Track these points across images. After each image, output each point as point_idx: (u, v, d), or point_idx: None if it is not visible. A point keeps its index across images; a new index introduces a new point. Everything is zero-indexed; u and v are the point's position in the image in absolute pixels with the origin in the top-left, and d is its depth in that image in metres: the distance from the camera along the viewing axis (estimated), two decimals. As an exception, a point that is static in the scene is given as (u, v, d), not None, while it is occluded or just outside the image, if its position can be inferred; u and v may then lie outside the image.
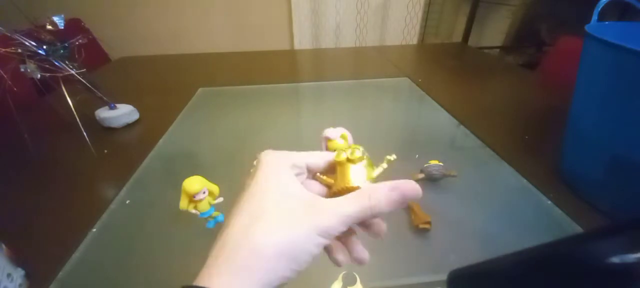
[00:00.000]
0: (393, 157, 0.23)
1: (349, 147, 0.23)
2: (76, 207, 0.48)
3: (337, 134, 0.47)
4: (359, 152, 0.23)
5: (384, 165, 0.23)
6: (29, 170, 0.57)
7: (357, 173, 0.22)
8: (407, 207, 0.44)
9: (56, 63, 0.59)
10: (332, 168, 0.24)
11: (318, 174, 0.24)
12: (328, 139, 0.47)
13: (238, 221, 0.18)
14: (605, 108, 0.41)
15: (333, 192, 0.23)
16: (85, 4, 1.59)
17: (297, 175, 0.22)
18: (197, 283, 0.16)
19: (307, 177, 0.24)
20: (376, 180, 0.23)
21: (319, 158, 0.23)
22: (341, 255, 0.23)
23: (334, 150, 0.25)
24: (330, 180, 0.23)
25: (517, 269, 0.21)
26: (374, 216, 0.20)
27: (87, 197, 0.50)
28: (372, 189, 0.20)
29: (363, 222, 0.22)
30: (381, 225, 0.23)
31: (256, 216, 0.18)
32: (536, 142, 0.62)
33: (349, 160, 0.22)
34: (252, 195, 0.20)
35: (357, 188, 0.21)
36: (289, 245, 0.18)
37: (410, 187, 0.20)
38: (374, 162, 0.24)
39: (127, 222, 0.45)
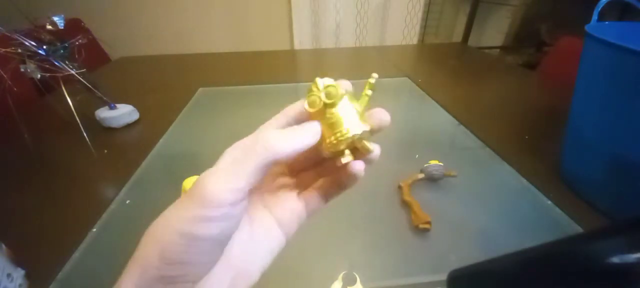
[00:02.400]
0: (374, 76, 0.19)
1: (316, 87, 0.18)
2: (76, 207, 0.48)
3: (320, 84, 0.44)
4: (332, 85, 0.17)
5: (368, 91, 0.19)
6: (29, 170, 0.57)
7: (346, 114, 0.17)
8: (407, 207, 0.44)
9: (56, 63, 0.59)
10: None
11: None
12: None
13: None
14: (605, 108, 0.41)
15: (325, 147, 0.18)
16: (85, 4, 1.59)
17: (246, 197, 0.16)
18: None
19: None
20: (368, 109, 0.19)
21: (277, 124, 0.19)
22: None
23: None
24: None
25: (517, 269, 0.21)
26: (274, 162, 0.16)
27: (87, 197, 0.50)
28: (268, 134, 0.16)
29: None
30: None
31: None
32: (536, 142, 0.62)
33: (327, 104, 0.17)
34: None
35: (363, 132, 0.17)
36: (155, 228, 0.16)
37: (293, 106, 0.18)
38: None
39: (127, 222, 0.45)
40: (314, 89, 0.18)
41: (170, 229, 0.15)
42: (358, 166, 0.18)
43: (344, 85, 0.19)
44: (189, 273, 0.15)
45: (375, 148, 0.19)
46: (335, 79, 0.18)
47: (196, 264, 0.15)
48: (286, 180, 0.21)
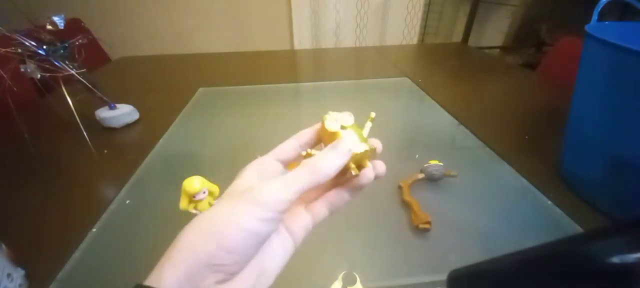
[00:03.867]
0: (373, 114, 0.26)
1: (332, 119, 0.24)
2: (76, 207, 0.48)
3: (337, 123, 0.46)
4: (349, 118, 0.24)
5: (369, 123, 0.25)
6: (29, 170, 0.57)
7: (351, 137, 0.23)
8: (407, 207, 0.44)
9: (56, 63, 0.59)
10: (318, 140, 0.25)
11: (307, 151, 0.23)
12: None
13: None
14: (605, 108, 0.41)
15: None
16: (85, 4, 1.59)
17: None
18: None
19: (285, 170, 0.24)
20: (367, 138, 0.24)
21: (291, 146, 0.25)
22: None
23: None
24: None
25: (517, 269, 0.21)
26: (320, 182, 0.20)
27: (87, 197, 0.50)
28: (313, 160, 0.20)
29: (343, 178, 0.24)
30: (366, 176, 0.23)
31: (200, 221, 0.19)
32: (536, 142, 0.62)
33: (342, 127, 0.23)
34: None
35: (367, 153, 0.22)
36: (213, 222, 0.18)
37: (305, 132, 0.24)
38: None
39: (127, 222, 0.45)
40: (327, 118, 0.24)
41: (230, 224, 0.17)
42: (368, 174, 0.23)
43: (346, 117, 0.24)
44: (237, 261, 0.18)
45: (380, 166, 0.24)
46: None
47: (245, 255, 0.18)
48: None
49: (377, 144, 0.24)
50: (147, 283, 0.16)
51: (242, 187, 0.21)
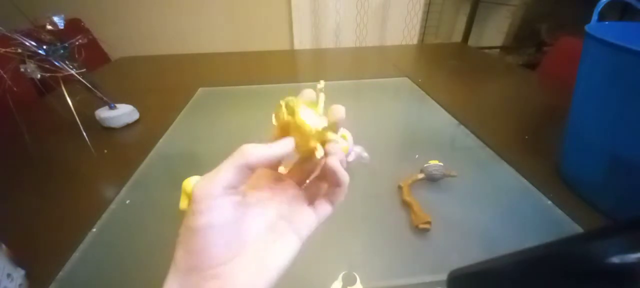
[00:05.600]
0: (322, 83, 0.24)
1: (281, 104, 0.22)
2: (76, 207, 0.48)
3: (337, 134, 0.47)
4: (289, 99, 0.22)
5: (321, 95, 0.24)
6: (29, 170, 0.57)
7: (308, 117, 0.21)
8: (407, 207, 0.44)
9: (56, 63, 0.59)
10: (283, 133, 0.22)
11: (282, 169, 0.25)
12: None
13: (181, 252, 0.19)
14: (605, 108, 0.41)
15: (303, 151, 0.23)
16: (85, 4, 1.59)
17: (232, 194, 0.20)
18: None
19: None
20: (325, 112, 0.23)
21: (258, 153, 0.21)
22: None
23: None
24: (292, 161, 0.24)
25: (517, 269, 0.21)
26: (244, 167, 0.20)
27: (87, 197, 0.50)
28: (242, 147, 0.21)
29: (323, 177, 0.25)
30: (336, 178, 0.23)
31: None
32: (536, 142, 0.62)
33: (289, 114, 0.22)
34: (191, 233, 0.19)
35: (327, 128, 0.22)
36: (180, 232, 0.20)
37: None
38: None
39: (127, 222, 0.45)
40: (279, 109, 0.22)
41: (183, 228, 0.20)
42: (320, 152, 0.22)
43: (306, 95, 0.23)
44: (207, 258, 0.19)
45: (340, 140, 0.24)
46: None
47: (209, 249, 0.19)
48: (297, 193, 0.25)
49: (338, 111, 0.23)
50: None
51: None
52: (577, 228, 0.42)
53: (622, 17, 1.15)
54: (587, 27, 0.43)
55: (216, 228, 0.19)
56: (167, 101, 0.83)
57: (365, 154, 0.50)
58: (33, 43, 0.56)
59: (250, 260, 0.20)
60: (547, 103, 0.81)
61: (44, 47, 0.58)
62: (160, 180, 0.54)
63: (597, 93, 0.42)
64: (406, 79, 0.95)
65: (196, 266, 0.18)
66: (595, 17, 0.45)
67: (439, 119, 0.71)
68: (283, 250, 0.21)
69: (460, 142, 0.64)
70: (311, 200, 0.24)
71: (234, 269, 0.19)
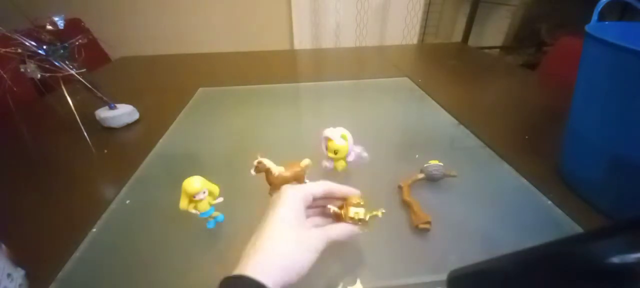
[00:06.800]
0: (382, 210, 0.35)
1: (354, 208, 0.34)
2: (76, 207, 0.48)
3: (337, 134, 0.47)
4: (361, 211, 0.34)
5: (376, 213, 0.35)
6: (29, 170, 0.57)
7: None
8: (407, 207, 0.44)
9: (56, 63, 0.59)
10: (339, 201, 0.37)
11: (332, 208, 0.35)
12: (328, 139, 0.47)
13: (266, 238, 0.28)
14: (605, 108, 0.41)
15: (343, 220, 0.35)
16: (85, 4, 1.59)
17: (304, 205, 0.32)
18: (237, 272, 0.25)
19: (311, 204, 0.34)
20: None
21: (321, 188, 0.35)
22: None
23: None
24: (339, 212, 0.35)
25: (517, 269, 0.21)
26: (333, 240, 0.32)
27: (87, 197, 0.50)
28: (333, 227, 0.33)
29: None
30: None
31: (278, 237, 0.29)
32: (536, 142, 0.62)
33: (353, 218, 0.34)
34: (275, 221, 0.30)
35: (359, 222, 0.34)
36: (293, 256, 0.28)
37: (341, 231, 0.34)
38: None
39: (127, 222, 0.45)
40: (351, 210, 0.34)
41: (303, 262, 0.30)
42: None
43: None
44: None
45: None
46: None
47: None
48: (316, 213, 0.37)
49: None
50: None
51: (297, 221, 0.31)
52: (577, 228, 0.42)
53: (622, 17, 1.15)
54: (587, 27, 0.42)
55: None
56: (167, 101, 0.83)
57: (365, 154, 0.50)
58: (33, 43, 0.56)
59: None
60: (547, 103, 0.81)
61: (44, 47, 0.58)
62: (160, 180, 0.54)
63: (597, 93, 0.42)
64: (406, 78, 0.95)
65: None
66: (595, 17, 0.45)
67: (439, 119, 0.71)
68: (311, 249, 0.30)
69: (460, 142, 0.64)
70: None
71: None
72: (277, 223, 0.29)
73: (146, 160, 0.58)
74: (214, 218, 0.42)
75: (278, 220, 0.29)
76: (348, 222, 0.34)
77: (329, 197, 0.35)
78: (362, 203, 0.35)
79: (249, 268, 0.25)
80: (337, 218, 0.35)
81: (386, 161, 0.57)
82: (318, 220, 0.36)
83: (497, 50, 1.91)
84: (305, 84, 0.97)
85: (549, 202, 0.46)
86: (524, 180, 0.50)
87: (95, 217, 0.45)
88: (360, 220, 0.34)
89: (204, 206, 0.39)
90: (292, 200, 0.31)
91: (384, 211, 0.35)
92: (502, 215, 0.44)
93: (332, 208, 0.35)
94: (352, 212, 0.34)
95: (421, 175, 0.49)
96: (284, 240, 0.28)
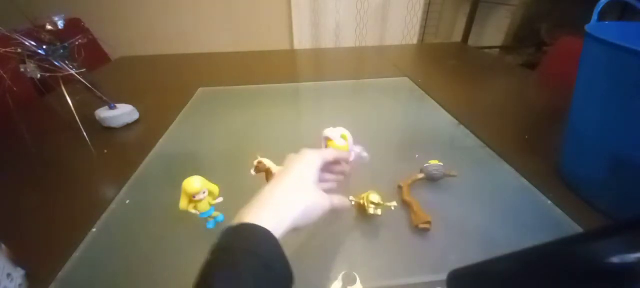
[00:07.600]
0: (394, 204, 0.41)
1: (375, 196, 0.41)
2: (76, 207, 0.48)
3: (337, 134, 0.47)
4: (375, 199, 0.41)
5: (388, 205, 0.41)
6: (29, 170, 0.57)
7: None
8: (407, 207, 0.44)
9: (56, 63, 0.59)
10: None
11: (354, 200, 0.42)
12: (328, 139, 0.47)
13: (281, 187, 0.32)
14: (605, 108, 0.41)
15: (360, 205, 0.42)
16: (85, 4, 1.59)
17: (320, 169, 0.36)
18: (246, 220, 0.27)
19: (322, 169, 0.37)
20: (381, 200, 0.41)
21: (332, 156, 0.39)
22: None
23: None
24: (360, 202, 0.42)
25: (517, 269, 0.21)
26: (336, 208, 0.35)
27: (87, 197, 0.50)
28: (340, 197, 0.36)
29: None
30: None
31: (293, 188, 0.32)
32: (536, 142, 0.62)
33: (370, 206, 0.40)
34: (292, 175, 0.33)
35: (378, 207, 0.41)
36: (307, 203, 0.32)
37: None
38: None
39: (127, 222, 0.45)
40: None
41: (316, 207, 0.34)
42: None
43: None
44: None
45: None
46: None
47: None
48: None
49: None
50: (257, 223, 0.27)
51: (313, 180, 0.34)
52: (577, 228, 0.42)
53: (622, 17, 1.15)
54: (587, 27, 0.42)
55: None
56: (167, 101, 0.83)
57: (365, 154, 0.50)
58: (33, 43, 0.56)
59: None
60: (547, 103, 0.81)
61: (44, 47, 0.58)
62: (160, 180, 0.54)
63: (597, 93, 0.42)
64: (406, 78, 0.95)
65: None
66: (595, 17, 0.45)
67: (439, 119, 0.71)
68: (321, 206, 0.33)
69: (460, 142, 0.64)
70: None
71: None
72: (296, 179, 0.33)
73: (146, 160, 0.58)
74: (214, 218, 0.42)
75: (297, 177, 0.33)
76: (369, 208, 0.40)
77: (334, 165, 0.40)
78: (378, 197, 0.41)
79: (264, 218, 0.28)
80: (359, 208, 0.42)
81: (386, 161, 0.57)
82: (321, 185, 0.39)
83: (497, 50, 1.91)
84: (305, 84, 0.97)
85: (549, 201, 0.46)
86: (524, 180, 0.50)
87: (95, 217, 0.45)
88: (379, 205, 0.40)
89: (204, 206, 0.39)
90: (312, 162, 0.35)
91: (396, 205, 0.40)
92: (502, 215, 0.44)
93: (354, 199, 0.42)
94: (375, 199, 0.40)
95: (421, 175, 0.49)
96: (303, 193, 0.32)
